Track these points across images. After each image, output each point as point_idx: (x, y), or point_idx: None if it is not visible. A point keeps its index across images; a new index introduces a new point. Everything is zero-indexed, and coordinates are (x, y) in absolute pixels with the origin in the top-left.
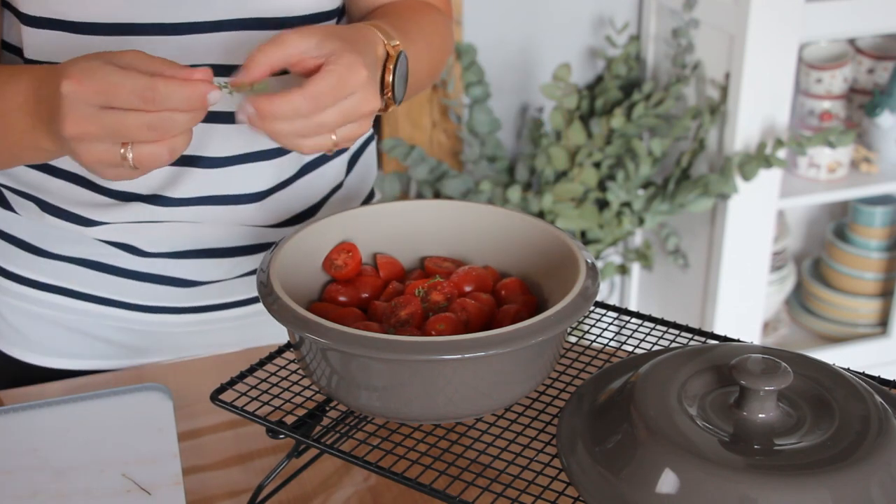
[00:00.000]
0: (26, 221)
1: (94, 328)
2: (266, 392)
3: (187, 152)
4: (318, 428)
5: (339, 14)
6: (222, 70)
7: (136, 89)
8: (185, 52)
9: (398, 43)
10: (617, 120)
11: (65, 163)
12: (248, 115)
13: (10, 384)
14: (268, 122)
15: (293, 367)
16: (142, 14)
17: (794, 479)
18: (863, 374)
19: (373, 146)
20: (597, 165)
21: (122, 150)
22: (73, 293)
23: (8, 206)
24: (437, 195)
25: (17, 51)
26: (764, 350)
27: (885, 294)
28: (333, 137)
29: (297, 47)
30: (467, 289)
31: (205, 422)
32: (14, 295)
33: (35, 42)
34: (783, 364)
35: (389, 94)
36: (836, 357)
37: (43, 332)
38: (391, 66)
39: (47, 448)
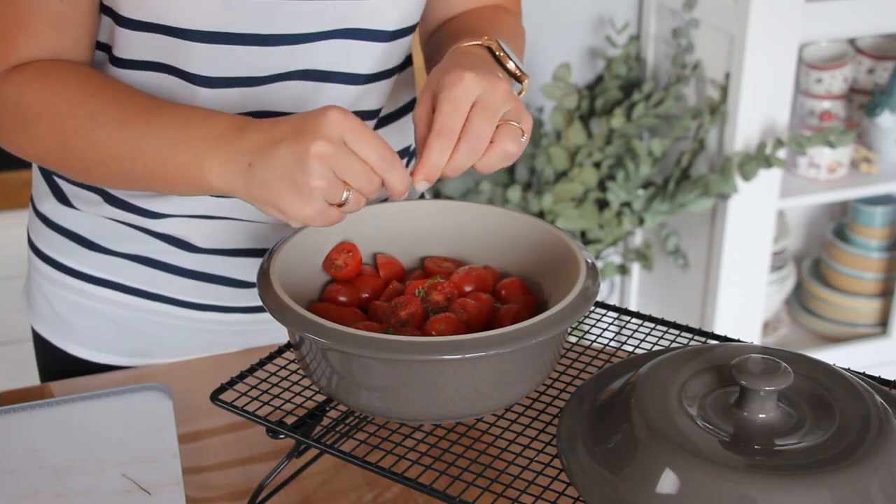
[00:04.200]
0: (83, 216)
1: (141, 324)
2: (266, 392)
3: None
4: (319, 428)
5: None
6: (316, 75)
7: (379, 147)
8: (279, 62)
9: (486, 37)
10: (617, 120)
11: None
12: (422, 187)
13: (53, 374)
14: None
15: (293, 367)
16: (239, 24)
17: (794, 479)
18: (863, 374)
19: None
20: (597, 165)
21: (343, 190)
22: (124, 288)
23: (66, 202)
24: (437, 195)
25: (103, 47)
26: (764, 350)
27: (885, 294)
28: (516, 124)
29: (429, 96)
30: (467, 289)
31: (205, 422)
32: (65, 287)
33: (128, 42)
34: (783, 364)
35: (518, 71)
36: (836, 357)
37: (90, 325)
38: (501, 53)
39: (47, 448)
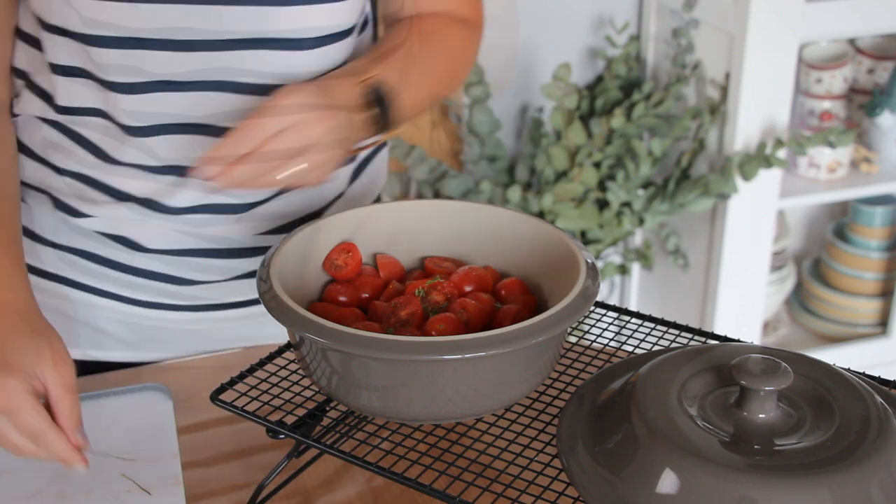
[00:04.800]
0: (33, 210)
1: (96, 319)
2: (266, 392)
3: (185, 164)
4: (319, 428)
5: (358, 29)
6: (232, 86)
7: (31, 424)
8: (197, 69)
9: (373, 74)
10: (617, 120)
11: (63, 163)
12: (210, 180)
13: None
14: (225, 175)
15: (293, 367)
16: (150, 30)
17: (794, 479)
18: (863, 374)
19: (382, 154)
20: (597, 165)
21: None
22: (75, 283)
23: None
24: (437, 195)
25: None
26: (764, 350)
27: (885, 294)
28: (305, 165)
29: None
30: (467, 289)
31: (205, 422)
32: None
33: (51, 47)
34: (783, 364)
35: (378, 123)
36: (836, 357)
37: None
38: (367, 101)
39: None
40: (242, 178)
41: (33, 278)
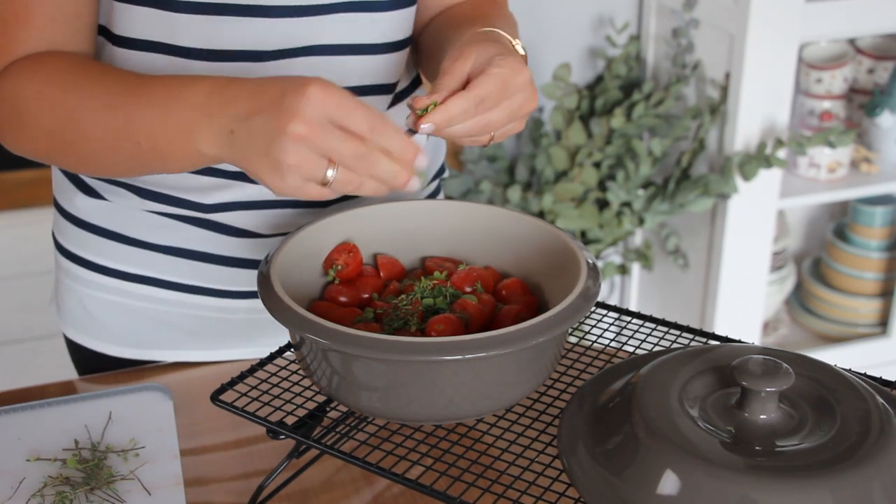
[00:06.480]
0: (117, 209)
1: (174, 318)
2: (266, 392)
3: None
4: (319, 428)
5: None
6: (322, 50)
7: (368, 117)
8: (283, 37)
9: (517, 41)
10: (617, 120)
11: None
12: (426, 129)
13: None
14: (444, 131)
15: (294, 367)
16: None
17: (795, 480)
18: (864, 374)
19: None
20: (597, 165)
21: (326, 169)
22: (159, 282)
23: (96, 195)
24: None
25: (101, 30)
26: (765, 351)
27: (885, 294)
28: (492, 134)
29: (474, 59)
30: (468, 289)
31: (205, 422)
32: (98, 287)
33: (124, 19)
34: (784, 365)
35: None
36: (837, 357)
37: (127, 323)
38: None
39: (47, 448)
40: (459, 133)
41: (117, 282)
